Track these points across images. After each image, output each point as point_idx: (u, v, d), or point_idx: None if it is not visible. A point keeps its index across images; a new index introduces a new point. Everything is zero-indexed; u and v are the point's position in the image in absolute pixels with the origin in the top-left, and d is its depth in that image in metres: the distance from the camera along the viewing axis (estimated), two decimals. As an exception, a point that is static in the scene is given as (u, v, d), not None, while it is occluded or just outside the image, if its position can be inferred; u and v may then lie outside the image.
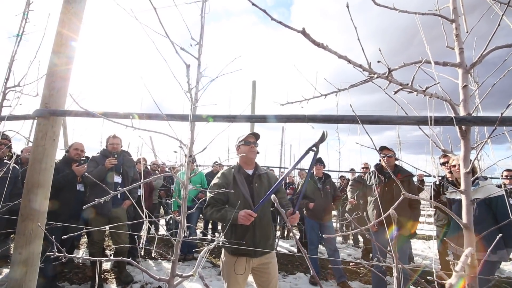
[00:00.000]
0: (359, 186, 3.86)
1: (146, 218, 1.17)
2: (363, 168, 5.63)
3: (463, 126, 0.92)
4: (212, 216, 2.12)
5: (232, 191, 2.01)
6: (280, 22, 0.60)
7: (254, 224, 2.10)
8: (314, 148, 2.03)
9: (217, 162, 6.96)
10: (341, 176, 7.43)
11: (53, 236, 0.96)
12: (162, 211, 7.10)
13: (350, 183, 4.87)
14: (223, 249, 2.27)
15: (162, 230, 6.86)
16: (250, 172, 2.28)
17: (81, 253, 4.95)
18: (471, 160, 0.90)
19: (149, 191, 5.48)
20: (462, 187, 0.90)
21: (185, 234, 1.09)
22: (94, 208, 3.54)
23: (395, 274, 0.73)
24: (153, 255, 4.94)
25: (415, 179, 6.72)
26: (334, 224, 6.58)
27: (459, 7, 1.06)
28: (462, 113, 0.96)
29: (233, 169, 2.29)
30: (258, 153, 2.33)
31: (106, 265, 4.34)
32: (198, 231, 7.66)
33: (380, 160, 3.42)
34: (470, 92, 0.99)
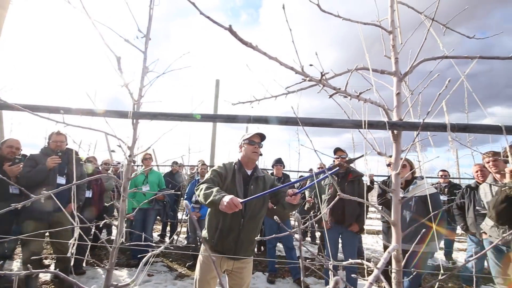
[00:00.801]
0: (315, 185, 4.02)
1: (77, 224, 1.05)
2: (318, 168, 5.88)
3: (395, 131, 0.99)
4: (200, 192, 1.96)
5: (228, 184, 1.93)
6: (208, 17, 0.58)
7: (241, 225, 2.06)
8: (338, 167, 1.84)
9: (176, 162, 6.71)
10: (301, 176, 7.69)
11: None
12: (116, 214, 6.64)
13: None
14: (202, 244, 2.20)
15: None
16: (249, 172, 2.23)
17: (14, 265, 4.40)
18: (409, 161, 0.97)
19: (99, 193, 5.08)
20: (392, 187, 0.97)
21: (128, 238, 1.01)
22: (31, 213, 3.15)
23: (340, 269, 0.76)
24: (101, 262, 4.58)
25: (367, 179, 7.23)
26: (293, 222, 6.77)
27: (396, 20, 1.15)
28: (394, 118, 1.04)
29: (235, 165, 2.21)
30: (261, 154, 2.26)
31: (46, 276, 3.91)
32: (155, 234, 7.32)
33: (334, 161, 3.60)
34: (403, 99, 1.08)
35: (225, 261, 2.09)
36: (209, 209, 2.22)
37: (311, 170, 6.56)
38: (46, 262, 4.53)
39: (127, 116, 1.04)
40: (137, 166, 6.57)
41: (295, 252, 4.25)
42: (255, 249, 2.25)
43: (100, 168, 5.76)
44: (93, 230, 1.03)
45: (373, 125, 0.93)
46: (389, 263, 1.02)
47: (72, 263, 3.72)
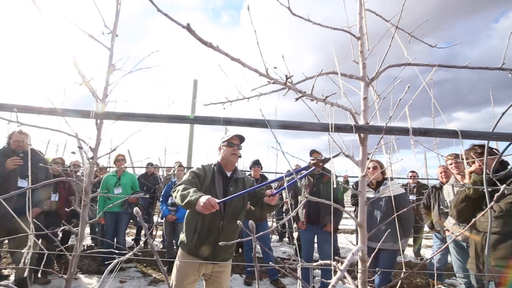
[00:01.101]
0: (292, 187, 4.06)
1: (32, 231, 0.98)
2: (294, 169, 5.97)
3: (361, 134, 1.02)
4: (177, 193, 1.92)
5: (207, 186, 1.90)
6: (165, 15, 0.56)
7: (220, 227, 2.02)
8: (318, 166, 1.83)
9: (152, 163, 6.51)
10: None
11: None
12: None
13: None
14: (179, 248, 2.14)
15: (88, 240, 6.09)
16: (228, 174, 2.20)
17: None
18: (382, 163, 0.99)
19: (66, 196, 4.78)
20: (359, 188, 0.99)
21: (99, 244, 0.95)
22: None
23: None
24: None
25: (341, 179, 7.45)
26: (270, 223, 6.81)
27: (364, 27, 1.19)
28: (361, 122, 1.07)
29: (213, 166, 2.19)
30: (240, 156, 2.24)
31: (4, 287, 3.61)
32: (129, 239, 7.04)
33: (309, 163, 3.66)
34: (370, 103, 1.12)
35: (203, 265, 2.05)
36: (187, 212, 2.17)
37: (288, 171, 6.64)
38: (6, 272, 4.19)
39: (89, 116, 0.98)
40: (109, 168, 6.29)
41: (273, 252, 4.27)
42: (233, 252, 2.23)
43: (68, 170, 5.45)
44: (59, 235, 0.96)
45: (341, 128, 0.96)
46: (356, 263, 1.04)
47: (39, 272, 3.47)
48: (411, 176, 5.81)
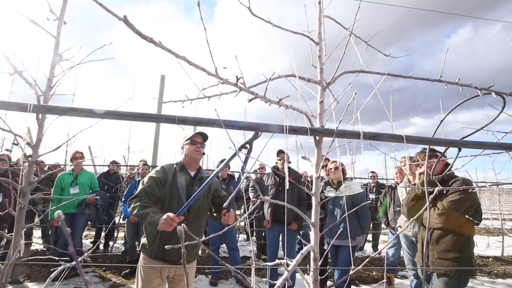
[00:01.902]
0: (258, 186, 4.10)
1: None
2: (259, 169, 6.05)
3: (316, 136, 1.05)
4: (134, 211, 1.86)
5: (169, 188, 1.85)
6: (100, 4, 0.52)
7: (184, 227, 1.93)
8: (247, 146, 1.83)
9: (114, 162, 6.15)
10: (247, 177, 7.78)
11: None
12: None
13: (250, 184, 5.14)
14: (141, 253, 2.04)
15: (37, 245, 5.58)
16: (192, 173, 2.13)
17: None
18: (339, 164, 1.03)
19: (14, 197, 4.34)
20: (313, 190, 1.02)
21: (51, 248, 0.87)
22: None
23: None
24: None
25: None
26: (238, 222, 6.81)
27: (323, 33, 1.23)
28: (317, 125, 1.10)
29: (175, 166, 2.11)
30: (204, 154, 2.18)
31: None
32: (87, 241, 6.60)
33: (276, 163, 3.72)
34: (325, 107, 1.16)
35: (167, 268, 1.99)
36: None
37: (255, 171, 6.70)
38: None
39: (26, 109, 0.89)
40: (65, 165, 5.83)
41: (238, 253, 4.27)
42: (199, 252, 2.18)
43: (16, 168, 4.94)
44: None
45: (296, 130, 0.98)
46: (307, 261, 1.08)
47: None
48: (371, 176, 6.18)
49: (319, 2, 1.22)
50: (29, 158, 0.96)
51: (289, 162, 3.68)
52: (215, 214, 2.21)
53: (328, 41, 1.37)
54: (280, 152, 3.65)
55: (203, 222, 2.13)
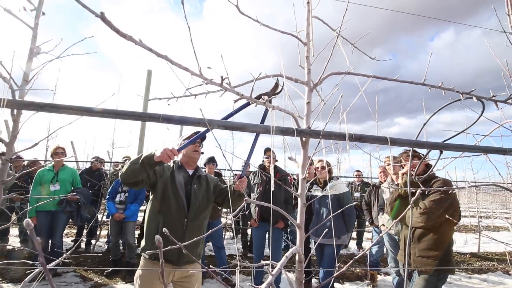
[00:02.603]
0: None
1: None
2: (242, 166, 6.04)
3: (303, 138, 1.05)
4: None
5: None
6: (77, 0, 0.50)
7: (185, 226, 1.91)
8: (265, 97, 1.64)
9: (97, 158, 5.98)
10: (235, 175, 7.76)
11: None
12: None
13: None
14: (141, 256, 1.97)
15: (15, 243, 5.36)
16: (190, 172, 2.12)
17: None
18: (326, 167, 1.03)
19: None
20: (299, 191, 1.02)
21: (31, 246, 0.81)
22: None
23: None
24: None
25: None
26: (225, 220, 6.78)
27: (311, 34, 1.23)
28: (304, 125, 1.10)
29: (173, 165, 2.10)
30: (202, 153, 2.16)
31: None
32: (68, 240, 6.40)
33: (263, 161, 3.73)
34: (312, 108, 1.16)
35: (170, 271, 1.90)
36: (146, 214, 2.03)
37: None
38: None
39: (-1, 105, 0.84)
40: (45, 161, 5.61)
41: (224, 252, 4.26)
42: (202, 252, 2.15)
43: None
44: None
45: (283, 131, 0.97)
46: (293, 259, 1.08)
47: None
48: (356, 175, 6.31)
49: (308, 3, 1.22)
50: (3, 156, 0.91)
51: (276, 161, 3.69)
52: (220, 208, 2.24)
53: (316, 41, 1.37)
54: (267, 150, 3.65)
55: (203, 222, 2.08)
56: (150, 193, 2.04)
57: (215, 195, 2.16)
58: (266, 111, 1.37)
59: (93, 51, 1.13)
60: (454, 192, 2.22)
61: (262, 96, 1.70)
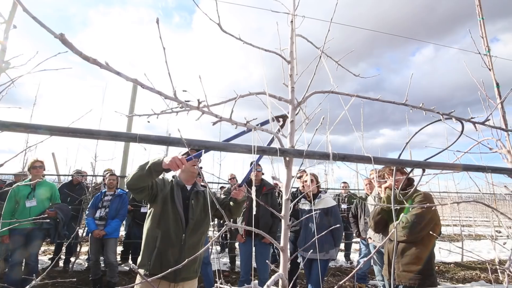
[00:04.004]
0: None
1: None
2: (230, 179, 5.98)
3: (287, 157, 1.03)
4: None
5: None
6: (34, 18, 0.46)
7: (183, 241, 1.92)
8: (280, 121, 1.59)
9: (79, 171, 5.75)
10: (222, 187, 7.67)
11: None
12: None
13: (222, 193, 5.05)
14: (138, 274, 1.96)
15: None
16: (188, 187, 2.16)
17: None
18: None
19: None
20: (282, 212, 0.99)
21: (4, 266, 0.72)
22: None
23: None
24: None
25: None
26: (211, 233, 6.63)
27: (294, 52, 1.23)
28: (288, 145, 1.09)
29: (172, 180, 2.15)
30: (201, 168, 2.13)
31: None
32: (46, 258, 6.04)
33: (250, 175, 3.68)
34: (296, 127, 1.15)
35: (165, 287, 1.89)
36: (145, 229, 2.02)
37: (229, 180, 6.61)
38: None
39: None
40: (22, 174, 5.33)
41: (211, 268, 4.13)
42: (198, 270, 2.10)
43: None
44: None
45: (266, 151, 0.95)
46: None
47: None
48: (343, 187, 6.35)
49: (291, 22, 1.23)
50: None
51: (262, 174, 3.66)
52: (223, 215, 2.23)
53: (302, 56, 1.38)
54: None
55: (201, 237, 2.09)
56: (149, 207, 2.06)
57: (214, 209, 2.20)
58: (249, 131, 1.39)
59: (67, 67, 1.08)
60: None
61: (278, 118, 1.71)
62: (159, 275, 0.73)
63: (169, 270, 0.73)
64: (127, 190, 6.38)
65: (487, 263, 1.72)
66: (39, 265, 4.51)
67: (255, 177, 3.52)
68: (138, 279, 1.96)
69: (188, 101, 0.75)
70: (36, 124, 0.79)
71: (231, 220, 5.00)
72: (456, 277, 5.53)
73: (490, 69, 1.60)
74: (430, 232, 2.02)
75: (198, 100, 0.75)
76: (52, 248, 6.67)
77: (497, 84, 1.62)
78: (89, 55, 0.62)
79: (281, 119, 1.72)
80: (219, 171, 7.04)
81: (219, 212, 2.13)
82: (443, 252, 6.38)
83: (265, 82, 1.06)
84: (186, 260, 0.81)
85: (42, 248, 6.43)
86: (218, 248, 7.03)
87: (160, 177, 2.13)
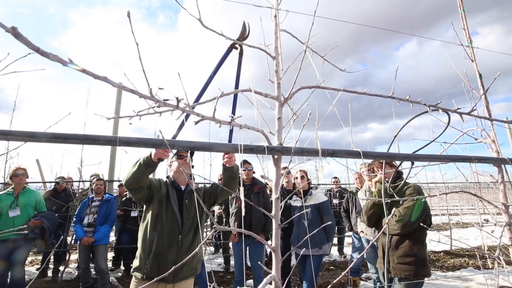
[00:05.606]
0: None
1: None
2: (219, 180, 5.90)
3: (275, 155, 1.00)
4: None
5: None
6: None
7: (179, 242, 1.92)
8: (236, 46, 1.61)
9: (62, 178, 5.57)
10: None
11: None
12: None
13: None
14: (133, 276, 1.95)
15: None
16: (182, 187, 2.17)
17: None
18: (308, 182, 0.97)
19: None
20: (273, 212, 0.97)
21: None
22: None
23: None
24: None
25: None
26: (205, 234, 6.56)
27: (279, 47, 1.21)
28: (275, 142, 1.06)
29: (166, 180, 2.17)
30: (193, 167, 2.20)
31: None
32: (33, 268, 5.84)
33: (240, 173, 3.65)
34: (283, 123, 1.13)
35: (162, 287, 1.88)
36: (140, 232, 2.01)
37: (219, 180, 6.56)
38: None
39: None
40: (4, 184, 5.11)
41: (204, 269, 4.08)
42: (199, 265, 2.11)
43: None
44: None
45: (253, 149, 0.92)
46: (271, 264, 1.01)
47: None
48: (334, 182, 6.40)
49: (275, 16, 1.20)
50: None
51: (253, 172, 3.63)
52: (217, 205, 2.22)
53: (289, 53, 1.36)
54: (244, 163, 3.58)
55: (198, 235, 2.08)
56: (145, 209, 2.06)
57: (209, 201, 2.22)
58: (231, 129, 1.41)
59: (40, 68, 1.01)
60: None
61: (236, 45, 1.68)
62: (158, 277, 0.70)
63: (170, 271, 0.70)
64: (115, 195, 6.24)
65: (475, 250, 1.75)
66: (26, 276, 4.35)
67: (246, 176, 3.49)
68: (132, 284, 1.94)
69: (166, 100, 0.71)
70: (32, 132, 0.74)
71: (224, 217, 4.94)
72: (446, 265, 5.68)
73: (472, 60, 1.62)
74: (422, 224, 2.05)
75: (177, 98, 0.71)
76: (40, 257, 6.46)
77: (480, 75, 1.64)
78: (71, 56, 0.58)
79: (238, 46, 1.67)
80: (210, 171, 6.97)
81: (214, 194, 2.20)
82: (433, 242, 6.54)
83: (250, 79, 1.03)
84: (185, 259, 0.78)
85: (29, 258, 6.22)
86: (212, 249, 6.98)
87: (157, 178, 2.18)
